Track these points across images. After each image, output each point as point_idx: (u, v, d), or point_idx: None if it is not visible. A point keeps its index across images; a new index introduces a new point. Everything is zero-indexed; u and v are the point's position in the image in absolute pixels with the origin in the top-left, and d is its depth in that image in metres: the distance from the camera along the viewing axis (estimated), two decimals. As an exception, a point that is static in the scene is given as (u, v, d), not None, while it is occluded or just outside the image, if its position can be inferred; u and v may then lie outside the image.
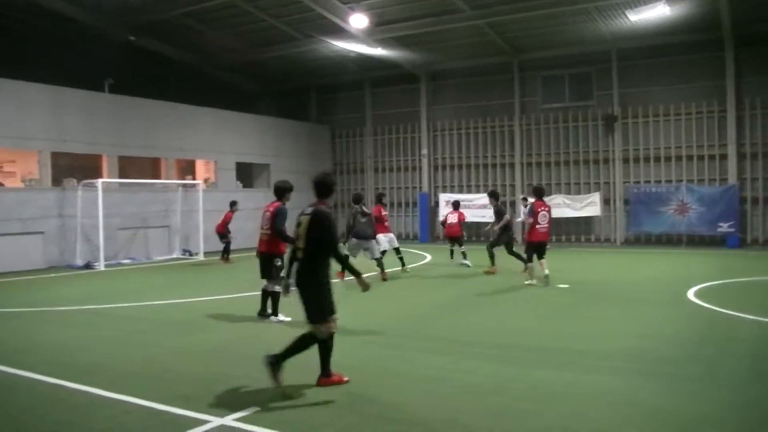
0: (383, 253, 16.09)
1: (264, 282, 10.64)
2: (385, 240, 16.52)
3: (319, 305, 6.60)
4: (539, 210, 14.36)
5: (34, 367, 7.66)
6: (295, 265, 6.87)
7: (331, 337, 6.70)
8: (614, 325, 9.89)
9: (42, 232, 19.52)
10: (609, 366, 7.46)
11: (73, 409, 6.18)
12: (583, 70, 25.82)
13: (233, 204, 20.70)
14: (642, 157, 24.72)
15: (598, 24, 22.57)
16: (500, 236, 16.77)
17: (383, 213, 16.96)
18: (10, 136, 19.14)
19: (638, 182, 24.64)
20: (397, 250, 17.08)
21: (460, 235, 18.57)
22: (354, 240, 15.24)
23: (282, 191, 10.55)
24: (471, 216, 26.76)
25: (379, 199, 17.69)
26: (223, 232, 20.46)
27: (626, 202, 24.77)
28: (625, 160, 24.99)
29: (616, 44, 24.28)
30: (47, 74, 20.39)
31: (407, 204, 29.36)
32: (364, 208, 15.59)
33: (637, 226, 24.42)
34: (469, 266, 17.71)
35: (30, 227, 19.21)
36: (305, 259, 6.69)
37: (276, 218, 10.23)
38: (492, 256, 16.90)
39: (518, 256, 15.85)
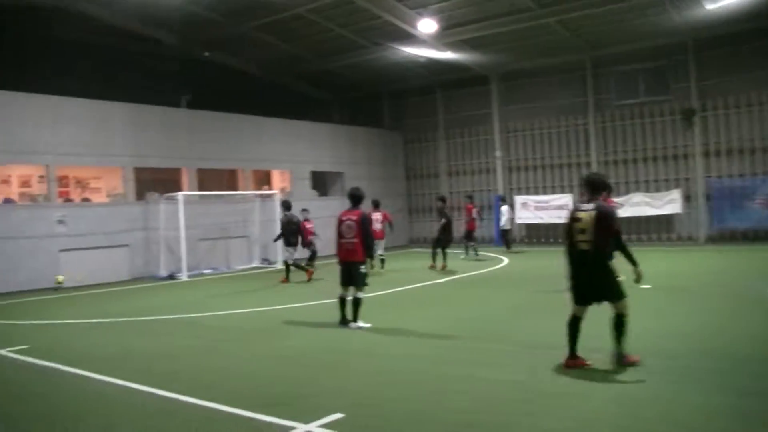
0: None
1: (341, 290, 10.70)
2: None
3: (618, 284, 7.40)
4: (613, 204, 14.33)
5: (123, 374, 7.91)
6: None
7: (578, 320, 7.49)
8: (698, 324, 9.55)
9: (127, 245, 20.21)
10: (681, 366, 7.22)
11: (160, 416, 6.36)
12: (657, 63, 25.08)
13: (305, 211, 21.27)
14: (724, 150, 23.82)
15: (671, 15, 21.88)
16: (440, 236, 19.27)
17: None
18: (96, 153, 19.95)
19: (720, 176, 23.78)
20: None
21: (382, 237, 19.64)
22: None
23: (361, 199, 10.71)
24: (548, 217, 26.47)
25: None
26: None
27: (708, 197, 23.93)
28: (706, 155, 24.13)
29: (692, 34, 23.47)
30: (127, 93, 21.14)
31: (482, 207, 28.98)
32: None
33: (720, 222, 23.53)
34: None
35: (116, 240, 19.92)
36: (594, 249, 7.30)
37: (364, 227, 10.40)
38: (434, 255, 19.20)
39: (435, 255, 19.06)
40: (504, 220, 24.18)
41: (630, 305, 7.37)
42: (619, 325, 7.32)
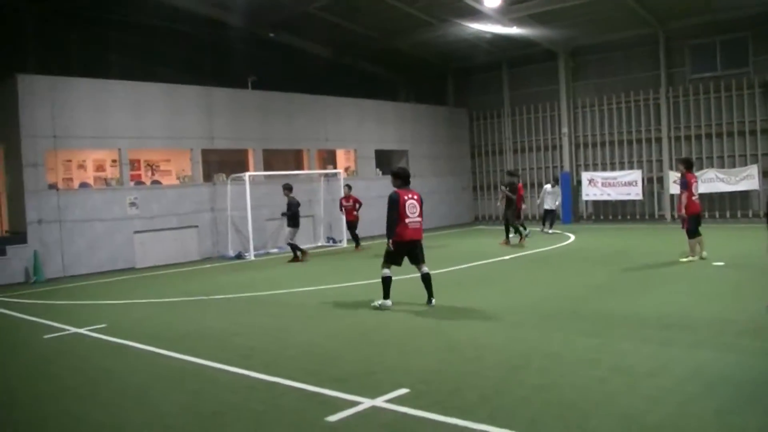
0: None
1: (388, 270, 10.50)
2: None
3: None
4: (693, 181, 14.09)
5: (198, 352, 8.13)
6: None
7: None
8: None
9: (197, 226, 20.66)
10: None
11: (234, 392, 6.49)
12: (737, 35, 24.04)
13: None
14: (807, 123, 22.82)
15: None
16: (506, 210, 19.73)
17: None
18: (167, 136, 20.40)
19: (802, 151, 22.78)
20: None
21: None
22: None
23: (409, 177, 11.12)
24: (616, 194, 25.93)
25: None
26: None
27: (789, 173, 22.98)
28: (787, 128, 23.19)
29: (775, 4, 22.47)
30: (196, 76, 21.51)
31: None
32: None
33: (801, 199, 22.58)
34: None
35: (186, 221, 20.39)
36: None
37: (422, 207, 10.87)
38: (507, 230, 19.62)
39: (508, 230, 19.51)
40: (549, 200, 23.39)
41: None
42: None
